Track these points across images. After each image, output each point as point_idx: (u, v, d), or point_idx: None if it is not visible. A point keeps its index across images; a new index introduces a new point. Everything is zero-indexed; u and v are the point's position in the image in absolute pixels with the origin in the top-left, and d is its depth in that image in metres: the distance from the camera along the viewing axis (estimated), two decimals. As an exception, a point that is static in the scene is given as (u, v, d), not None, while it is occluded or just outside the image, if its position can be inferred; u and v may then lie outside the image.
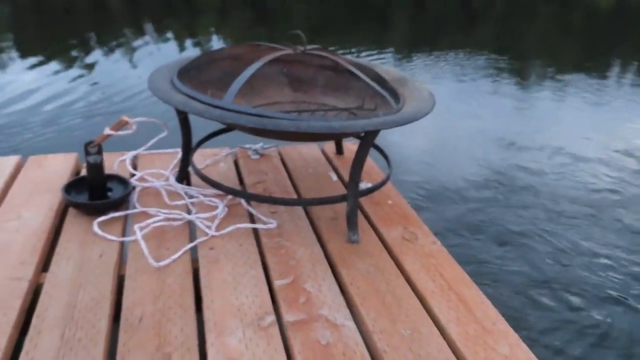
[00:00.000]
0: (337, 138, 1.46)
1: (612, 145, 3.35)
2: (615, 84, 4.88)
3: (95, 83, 4.14)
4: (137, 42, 5.62)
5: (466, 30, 7.50)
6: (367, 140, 1.22)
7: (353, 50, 5.50)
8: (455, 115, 3.77)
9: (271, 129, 1.10)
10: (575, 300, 1.83)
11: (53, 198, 1.44)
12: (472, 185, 2.68)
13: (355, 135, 1.32)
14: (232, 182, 1.58)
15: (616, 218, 2.43)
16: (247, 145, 1.75)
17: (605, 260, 2.08)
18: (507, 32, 7.49)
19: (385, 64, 5.06)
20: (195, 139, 1.52)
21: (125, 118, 1.39)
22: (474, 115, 3.81)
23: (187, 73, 1.44)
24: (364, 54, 5.42)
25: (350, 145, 1.81)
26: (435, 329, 1.05)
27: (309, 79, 1.63)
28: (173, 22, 6.94)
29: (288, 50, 1.43)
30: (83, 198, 1.40)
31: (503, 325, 1.08)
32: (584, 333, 1.68)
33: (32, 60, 4.72)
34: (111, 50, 5.22)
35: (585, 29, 8.08)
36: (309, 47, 1.44)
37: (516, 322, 1.15)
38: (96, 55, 5.02)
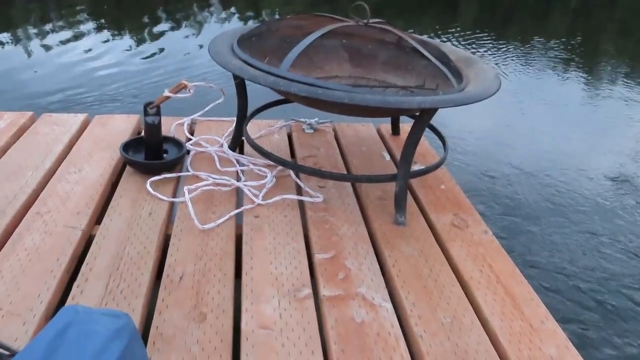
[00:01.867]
0: (392, 114, 1.41)
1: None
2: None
3: (162, 51, 4.29)
4: (205, 15, 5.75)
5: (540, 20, 7.06)
6: (423, 119, 1.17)
7: (418, 33, 5.35)
8: (522, 106, 3.57)
9: (324, 99, 1.07)
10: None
11: (112, 155, 1.49)
12: (528, 178, 2.53)
13: (412, 113, 1.27)
14: (284, 153, 1.57)
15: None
16: (302, 119, 1.74)
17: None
18: (583, 25, 6.97)
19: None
20: (252, 109, 1.53)
21: (184, 82, 1.41)
22: (537, 107, 3.59)
23: (248, 41, 1.43)
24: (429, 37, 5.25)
25: (407, 127, 1.75)
26: (477, 320, 1.00)
27: (370, 54, 1.58)
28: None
29: (350, 22, 1.39)
30: (139, 157, 1.44)
31: (552, 324, 1.01)
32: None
33: (106, 30, 4.94)
34: (178, 22, 5.38)
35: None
36: (372, 20, 1.40)
37: (568, 323, 1.07)
38: (164, 26, 5.19)
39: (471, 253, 1.18)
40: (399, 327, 0.97)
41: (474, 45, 5.12)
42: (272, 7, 6.82)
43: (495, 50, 5.02)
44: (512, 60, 4.73)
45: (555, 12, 7.67)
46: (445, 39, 5.24)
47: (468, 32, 5.67)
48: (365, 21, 1.39)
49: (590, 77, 4.53)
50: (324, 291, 1.04)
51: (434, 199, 1.37)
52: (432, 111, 1.17)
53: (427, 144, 1.68)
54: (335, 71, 1.57)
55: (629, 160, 2.92)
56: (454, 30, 5.71)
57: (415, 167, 1.40)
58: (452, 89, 1.26)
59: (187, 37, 4.95)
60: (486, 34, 5.56)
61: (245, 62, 1.26)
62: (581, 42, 5.78)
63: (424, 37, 1.52)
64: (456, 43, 5.21)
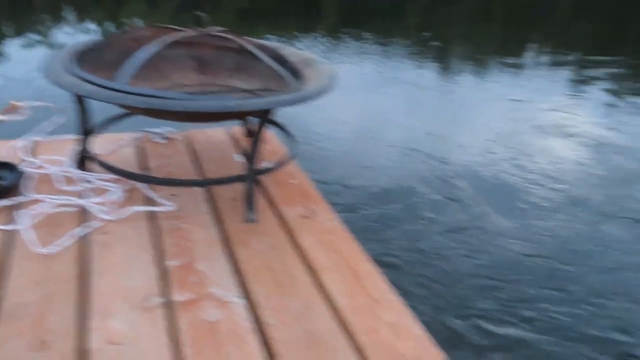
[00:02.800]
0: (234, 118, 1.46)
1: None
2: (531, 69, 5.11)
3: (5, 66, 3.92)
4: (56, 31, 5.35)
5: (393, 18, 7.62)
6: (263, 119, 1.23)
7: (284, 36, 5.49)
8: (375, 102, 3.84)
9: (162, 109, 1.09)
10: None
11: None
12: (382, 168, 2.74)
13: (253, 115, 1.32)
14: (135, 166, 1.54)
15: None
16: (153, 130, 1.72)
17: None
18: (431, 19, 7.67)
19: (310, 48, 5.09)
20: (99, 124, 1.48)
21: (14, 103, 1.33)
22: (389, 101, 3.89)
23: (86, 56, 1.39)
24: (291, 39, 5.42)
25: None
26: (326, 303, 1.08)
27: (216, 62, 1.61)
28: (97, 9, 6.64)
29: (191, 32, 1.41)
30: (-30, 187, 1.33)
31: (392, 296, 1.12)
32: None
33: None
34: (26, 40, 4.94)
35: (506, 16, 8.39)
36: (213, 29, 1.43)
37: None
38: (8, 44, 4.74)
39: (320, 241, 1.27)
40: (251, 320, 1.02)
41: (338, 46, 5.38)
42: (129, 17, 6.53)
43: (357, 49, 5.33)
44: (372, 56, 5.06)
45: (408, 11, 8.32)
46: (308, 41, 5.45)
47: (328, 32, 5.95)
48: (207, 31, 1.41)
49: (442, 66, 4.99)
50: (176, 297, 1.05)
51: (284, 193, 1.45)
52: (269, 111, 1.24)
53: (277, 142, 1.76)
54: (183, 80, 1.58)
55: (485, 140, 3.26)
56: (316, 32, 5.96)
57: (265, 165, 1.46)
58: (291, 89, 1.34)
59: (35, 51, 4.55)
60: (347, 34, 5.88)
61: (81, 78, 1.22)
62: (432, 36, 6.34)
63: (264, 42, 1.59)
64: (319, 43, 5.43)
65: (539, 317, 1.68)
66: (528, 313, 1.69)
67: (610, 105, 4.17)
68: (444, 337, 1.24)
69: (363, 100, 3.82)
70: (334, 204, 1.45)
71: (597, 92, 4.40)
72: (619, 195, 2.63)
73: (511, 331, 1.61)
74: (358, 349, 0.98)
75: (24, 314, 0.98)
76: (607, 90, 4.50)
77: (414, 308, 1.14)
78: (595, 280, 1.90)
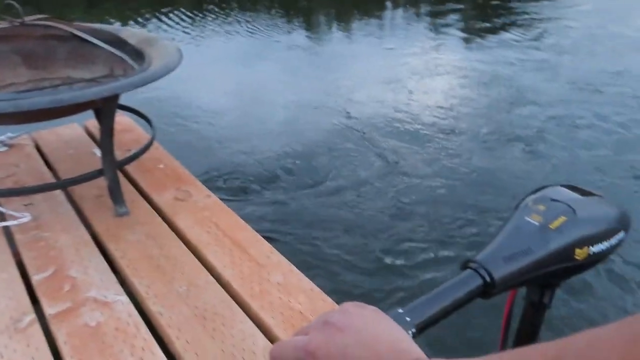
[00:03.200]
0: (74, 111, 1.35)
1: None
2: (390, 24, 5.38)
3: None
4: None
5: None
6: (108, 107, 1.16)
7: (143, 16, 5.16)
8: (244, 68, 3.81)
9: (-20, 114, 0.97)
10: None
11: None
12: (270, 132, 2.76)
13: (95, 105, 1.24)
14: (-24, 182, 1.38)
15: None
16: (-10, 138, 1.54)
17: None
18: None
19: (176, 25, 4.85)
20: None
21: None
22: (266, 69, 3.89)
23: None
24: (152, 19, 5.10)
25: (118, 117, 1.70)
26: (212, 277, 1.08)
27: (46, 53, 1.46)
28: None
29: (3, 24, 1.26)
30: None
31: (276, 256, 1.15)
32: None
33: None
34: None
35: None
36: (30, 18, 1.29)
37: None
38: None
39: (197, 219, 1.25)
40: (137, 313, 0.99)
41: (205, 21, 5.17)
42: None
43: (223, 22, 5.17)
44: (240, 26, 4.94)
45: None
46: (173, 17, 5.16)
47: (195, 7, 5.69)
48: (21, 20, 1.27)
49: (311, 29, 5.03)
50: (49, 310, 0.98)
51: (154, 180, 1.40)
52: (113, 98, 1.16)
53: (139, 129, 1.67)
54: (10, 78, 1.42)
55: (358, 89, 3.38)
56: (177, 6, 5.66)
57: (129, 155, 1.39)
58: (134, 71, 1.27)
59: None
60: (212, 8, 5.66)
61: None
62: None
63: (97, 25, 1.47)
64: (184, 19, 5.17)
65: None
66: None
67: (468, 42, 4.55)
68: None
69: (238, 72, 3.75)
70: (216, 184, 1.43)
71: (454, 34, 4.77)
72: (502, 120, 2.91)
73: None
74: (252, 314, 1.00)
75: None
76: (462, 30, 4.89)
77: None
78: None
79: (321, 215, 2.06)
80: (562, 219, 0.75)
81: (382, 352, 0.39)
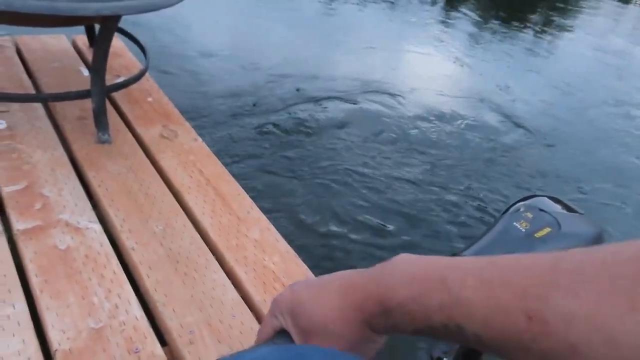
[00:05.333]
0: (70, 23, 1.26)
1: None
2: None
3: None
4: None
5: None
6: (107, 27, 1.09)
7: None
8: (250, 16, 3.68)
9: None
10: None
11: None
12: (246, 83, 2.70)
13: (93, 22, 1.17)
14: (-52, 76, 1.29)
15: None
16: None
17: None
18: None
19: None
20: None
21: None
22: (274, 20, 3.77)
23: None
24: None
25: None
26: (189, 222, 1.07)
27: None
28: None
29: None
30: None
31: (256, 213, 1.14)
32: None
33: None
34: None
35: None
36: None
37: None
38: None
39: (181, 161, 1.22)
40: (109, 244, 0.96)
41: None
42: None
43: None
44: None
45: None
46: None
47: None
48: None
49: None
50: (18, 225, 0.94)
51: (141, 112, 1.34)
52: (114, 19, 1.10)
53: (131, 55, 1.60)
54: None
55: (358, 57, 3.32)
56: None
57: (118, 81, 1.33)
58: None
59: None
60: None
61: None
62: None
63: None
64: None
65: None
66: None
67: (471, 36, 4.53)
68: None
69: (238, 23, 3.60)
70: (197, 125, 1.39)
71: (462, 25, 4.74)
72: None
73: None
74: (225, 265, 1.00)
75: None
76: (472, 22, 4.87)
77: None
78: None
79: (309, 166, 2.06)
80: (547, 229, 0.79)
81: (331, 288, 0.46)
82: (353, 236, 1.78)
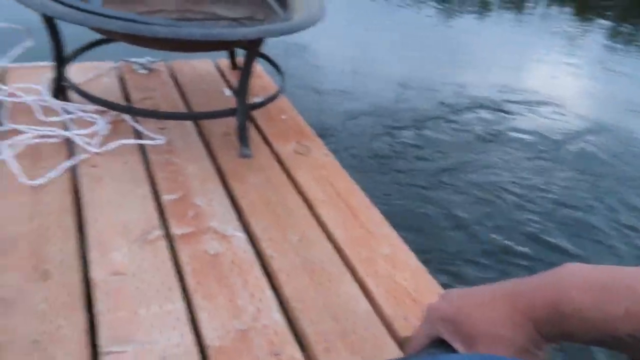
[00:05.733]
0: (220, 48, 1.40)
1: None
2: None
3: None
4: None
5: None
6: (252, 50, 1.18)
7: None
8: (376, 32, 3.71)
9: (145, 35, 1.02)
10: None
11: None
12: (375, 105, 2.73)
13: (239, 45, 1.27)
14: (116, 97, 1.47)
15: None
16: (132, 59, 1.63)
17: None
18: None
19: None
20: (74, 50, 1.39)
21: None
22: (393, 33, 3.77)
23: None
24: None
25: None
26: (323, 234, 1.10)
27: (197, -14, 1.52)
28: None
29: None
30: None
31: (387, 229, 1.15)
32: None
33: None
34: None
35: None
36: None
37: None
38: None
39: (315, 176, 1.27)
40: (252, 251, 1.03)
41: None
42: None
43: None
44: None
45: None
46: None
47: None
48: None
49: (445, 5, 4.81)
50: (176, 230, 1.04)
51: (277, 129, 1.43)
52: (259, 42, 1.19)
53: (268, 78, 1.71)
54: (160, 5, 1.49)
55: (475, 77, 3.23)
56: None
57: (257, 100, 1.43)
58: (278, 19, 1.28)
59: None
60: None
61: (52, -3, 1.13)
62: None
63: (251, -33, 1.50)
64: None
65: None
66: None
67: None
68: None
69: (360, 34, 3.65)
70: (327, 142, 1.44)
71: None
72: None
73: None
74: (356, 277, 1.01)
75: (19, 245, 0.95)
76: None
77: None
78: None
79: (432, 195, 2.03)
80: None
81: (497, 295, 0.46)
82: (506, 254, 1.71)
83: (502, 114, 2.74)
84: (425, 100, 2.79)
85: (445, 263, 1.69)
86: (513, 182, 2.11)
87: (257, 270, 0.99)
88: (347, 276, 1.01)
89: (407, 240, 1.13)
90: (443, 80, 3.06)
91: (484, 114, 2.72)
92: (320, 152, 1.36)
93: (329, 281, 0.99)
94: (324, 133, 2.19)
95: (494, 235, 1.82)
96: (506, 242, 1.80)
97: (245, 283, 0.96)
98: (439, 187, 2.08)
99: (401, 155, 2.27)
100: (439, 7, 4.61)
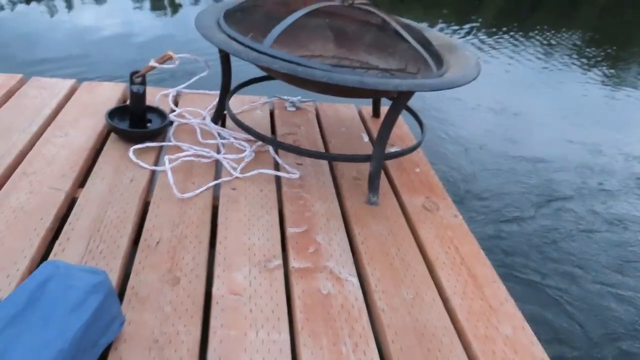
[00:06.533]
0: (370, 96, 1.44)
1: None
2: None
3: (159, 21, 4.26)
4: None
5: (565, 13, 7.01)
6: (400, 101, 1.20)
7: (440, 22, 5.30)
8: (524, 101, 3.57)
9: (303, 77, 1.10)
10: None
11: (98, 122, 1.50)
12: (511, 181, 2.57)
13: (389, 95, 1.30)
14: (265, 129, 1.60)
15: None
16: (285, 97, 1.76)
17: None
18: (610, 21, 6.93)
19: (470, 38, 4.86)
20: (236, 84, 1.55)
21: (170, 52, 1.42)
22: (546, 104, 3.59)
23: (233, 15, 1.44)
24: (450, 27, 5.20)
25: (389, 110, 1.78)
26: (439, 298, 1.05)
27: (354, 35, 1.60)
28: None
29: (335, 2, 1.41)
30: (124, 125, 1.46)
31: (511, 307, 1.06)
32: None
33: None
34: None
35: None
36: (357, 1, 1.42)
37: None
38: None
39: (439, 235, 1.23)
40: (363, 300, 1.02)
41: (493, 35, 5.05)
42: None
43: (515, 40, 4.95)
44: (529, 51, 4.67)
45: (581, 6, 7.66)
46: (465, 28, 5.19)
47: (489, 21, 5.59)
48: (351, 2, 1.41)
49: (608, 79, 4.51)
50: (294, 263, 1.08)
51: (407, 181, 1.42)
52: (408, 94, 1.20)
53: (406, 128, 1.72)
54: (320, 50, 1.59)
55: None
56: (475, 18, 5.63)
57: (392, 150, 1.44)
58: (432, 74, 1.29)
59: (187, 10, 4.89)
60: (506, 26, 5.51)
61: (230, 36, 1.27)
62: (605, 40, 5.78)
63: (408, 21, 1.54)
64: (476, 30, 5.13)
65: None
66: None
67: None
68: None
69: (509, 97, 3.53)
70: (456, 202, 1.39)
71: None
72: None
73: None
74: (469, 354, 0.94)
75: (160, 249, 1.06)
76: None
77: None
78: None
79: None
80: None
81: None
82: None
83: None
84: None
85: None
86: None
87: (365, 321, 0.97)
88: (459, 350, 0.95)
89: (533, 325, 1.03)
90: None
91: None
92: (449, 212, 1.31)
93: (438, 350, 0.94)
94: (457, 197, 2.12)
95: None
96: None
97: (352, 330, 0.94)
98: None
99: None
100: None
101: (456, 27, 5.17)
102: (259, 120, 1.65)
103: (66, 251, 1.02)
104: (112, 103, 1.62)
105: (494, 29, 5.31)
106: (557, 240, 2.07)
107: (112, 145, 1.40)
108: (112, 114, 1.47)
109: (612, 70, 4.62)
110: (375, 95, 1.51)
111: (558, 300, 1.76)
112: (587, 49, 5.14)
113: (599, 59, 4.85)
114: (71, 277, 0.75)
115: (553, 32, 5.47)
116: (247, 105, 1.72)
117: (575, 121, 3.37)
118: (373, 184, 1.28)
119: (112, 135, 1.44)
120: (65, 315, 0.71)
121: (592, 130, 3.25)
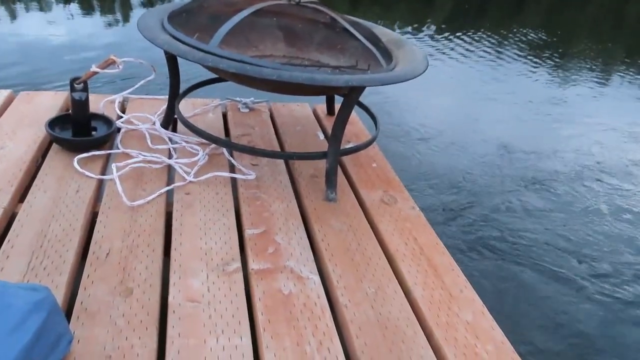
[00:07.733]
0: (321, 92, 1.44)
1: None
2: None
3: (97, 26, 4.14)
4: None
5: (512, 13, 7.24)
6: (351, 97, 1.20)
7: (393, 24, 5.38)
8: (477, 97, 3.67)
9: (252, 75, 1.08)
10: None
11: (38, 132, 1.43)
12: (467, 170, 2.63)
13: (340, 92, 1.30)
14: (218, 132, 1.56)
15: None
16: (237, 99, 1.73)
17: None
18: (556, 19, 7.21)
19: (422, 39, 4.93)
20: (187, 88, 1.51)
21: (113, 57, 1.37)
22: (495, 98, 3.70)
23: (178, 17, 1.41)
24: (402, 28, 5.27)
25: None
26: (401, 290, 1.05)
27: (304, 34, 1.59)
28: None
29: (282, 1, 1.39)
30: (66, 134, 1.39)
31: (470, 293, 1.07)
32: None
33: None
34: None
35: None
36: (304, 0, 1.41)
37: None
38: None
39: (398, 228, 1.23)
40: (325, 298, 1.00)
41: (444, 36, 5.14)
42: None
43: (466, 42, 5.06)
44: (480, 50, 4.79)
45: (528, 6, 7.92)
46: (419, 30, 5.27)
47: (441, 23, 5.71)
48: (298, 0, 1.40)
49: (554, 73, 4.66)
50: (253, 265, 1.05)
51: (365, 176, 1.42)
52: (359, 89, 1.20)
53: (361, 124, 1.72)
54: (270, 50, 1.58)
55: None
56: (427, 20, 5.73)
57: (348, 146, 1.43)
58: (381, 69, 1.30)
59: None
60: (457, 28, 5.63)
61: (175, 37, 1.24)
62: (553, 37, 6.00)
63: (356, 19, 1.55)
64: (429, 32, 5.22)
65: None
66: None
67: None
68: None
69: (461, 102, 3.62)
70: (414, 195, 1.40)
71: None
72: None
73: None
74: (432, 342, 0.94)
75: (111, 260, 1.01)
76: None
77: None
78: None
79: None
80: None
81: None
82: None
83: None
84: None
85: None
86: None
87: (328, 318, 0.96)
88: (423, 339, 0.95)
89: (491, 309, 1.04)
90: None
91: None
92: (407, 204, 1.32)
93: (402, 342, 0.93)
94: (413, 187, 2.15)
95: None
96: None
97: (315, 329, 0.93)
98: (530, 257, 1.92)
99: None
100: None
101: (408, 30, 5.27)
102: (212, 123, 1.61)
103: (5, 270, 0.96)
104: (54, 113, 1.54)
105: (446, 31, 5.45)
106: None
107: (55, 156, 1.33)
108: (53, 123, 1.40)
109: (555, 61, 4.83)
110: (326, 92, 1.50)
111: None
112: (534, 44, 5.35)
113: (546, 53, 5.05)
114: (9, 296, 0.69)
115: (502, 33, 5.65)
116: (199, 108, 1.68)
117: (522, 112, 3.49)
118: (330, 181, 1.27)
119: (54, 146, 1.37)
120: (4, 337, 0.66)
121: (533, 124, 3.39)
